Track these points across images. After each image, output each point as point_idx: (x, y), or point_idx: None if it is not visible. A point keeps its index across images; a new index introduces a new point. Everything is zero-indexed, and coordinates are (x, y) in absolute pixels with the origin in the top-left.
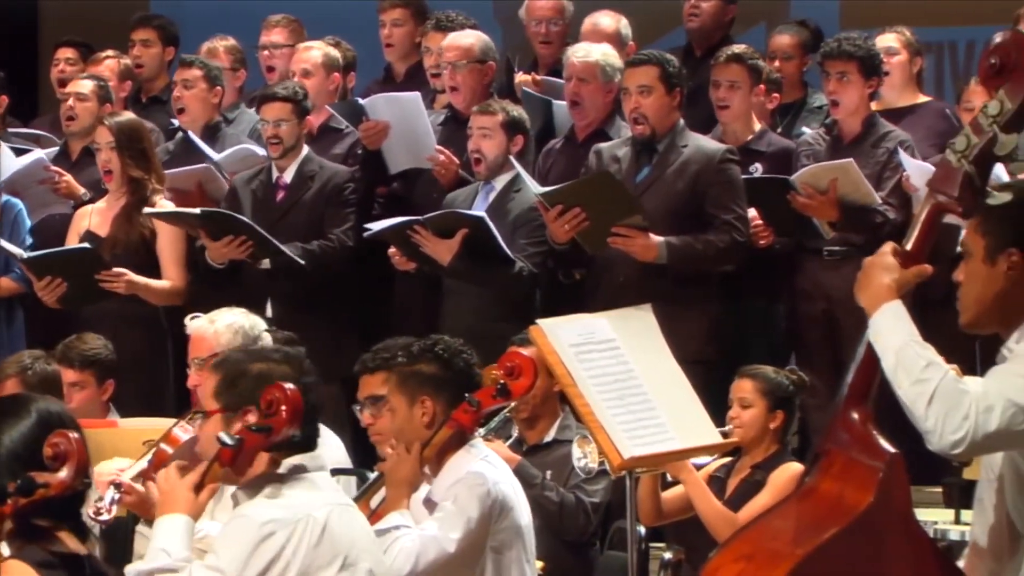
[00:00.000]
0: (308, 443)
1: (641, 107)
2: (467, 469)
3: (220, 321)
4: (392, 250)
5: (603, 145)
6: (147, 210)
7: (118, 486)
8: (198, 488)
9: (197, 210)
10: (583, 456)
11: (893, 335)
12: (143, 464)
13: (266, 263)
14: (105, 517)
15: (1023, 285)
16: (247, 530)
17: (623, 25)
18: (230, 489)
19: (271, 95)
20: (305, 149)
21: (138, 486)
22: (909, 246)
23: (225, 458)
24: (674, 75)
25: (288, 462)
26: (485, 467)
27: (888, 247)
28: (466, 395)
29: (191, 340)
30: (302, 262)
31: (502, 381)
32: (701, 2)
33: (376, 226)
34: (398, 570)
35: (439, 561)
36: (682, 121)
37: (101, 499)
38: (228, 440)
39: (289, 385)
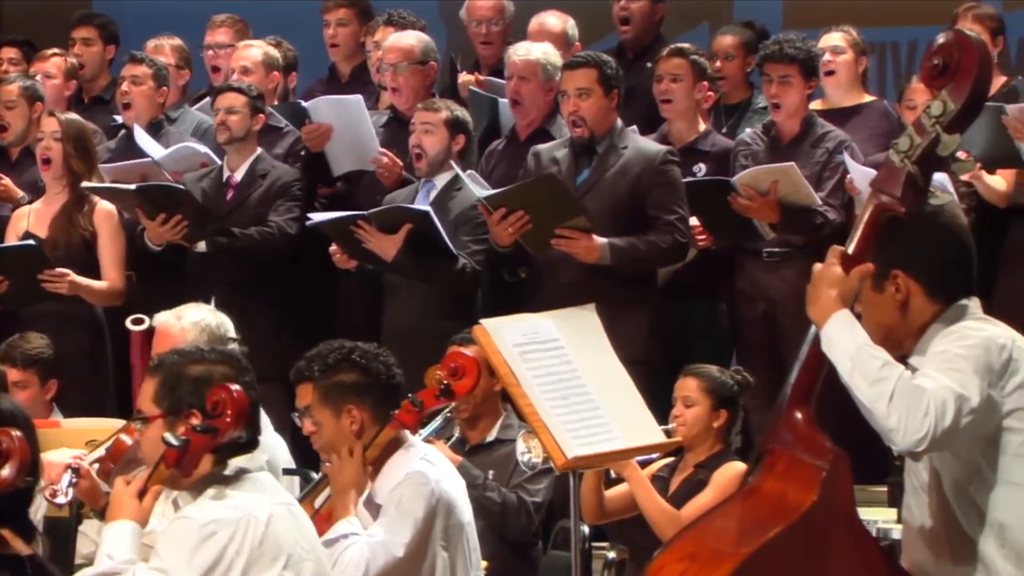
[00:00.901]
0: (251, 443)
1: (580, 110)
2: (407, 470)
3: (187, 318)
4: (333, 248)
5: (541, 147)
6: (85, 184)
7: (76, 470)
8: (143, 493)
9: (133, 186)
10: (527, 451)
11: (846, 342)
12: (101, 452)
13: (202, 246)
14: (61, 500)
15: (914, 304)
16: (189, 531)
17: (570, 26)
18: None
19: (227, 87)
20: (258, 149)
21: (94, 473)
22: (852, 249)
23: (171, 459)
24: (612, 77)
25: (233, 463)
26: (426, 466)
27: (834, 255)
28: (409, 396)
29: (156, 335)
30: (235, 234)
31: (445, 381)
32: (630, 3)
33: (320, 216)
34: None
35: (389, 566)
36: (620, 122)
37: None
38: (174, 441)
39: (235, 386)
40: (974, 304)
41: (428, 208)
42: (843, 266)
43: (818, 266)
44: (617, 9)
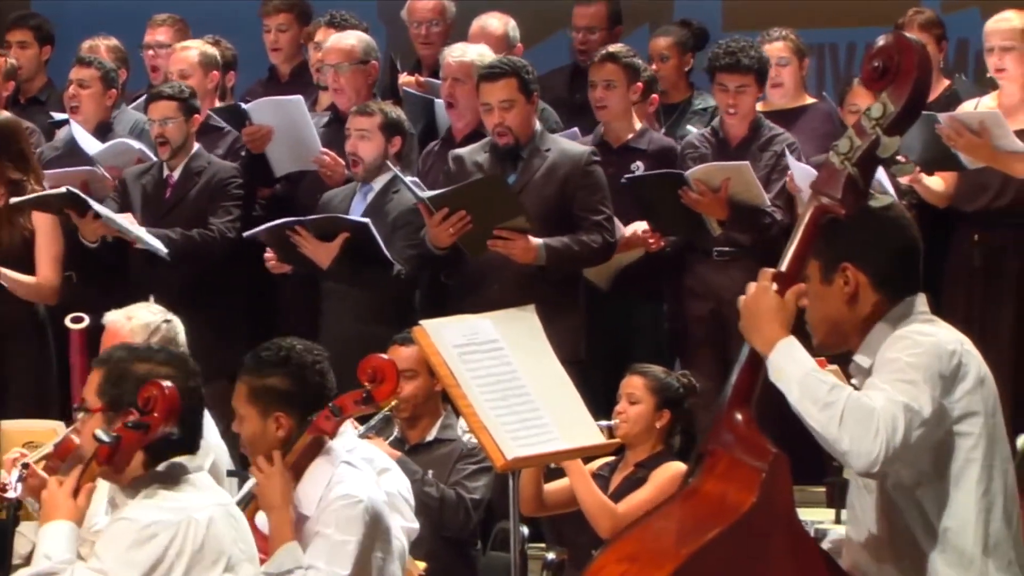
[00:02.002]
0: (189, 445)
1: (505, 121)
2: (330, 478)
3: (137, 319)
4: (267, 254)
5: (462, 151)
6: (13, 200)
7: (26, 465)
8: (78, 491)
9: (62, 189)
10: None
11: (793, 370)
12: (49, 448)
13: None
14: (11, 495)
15: (862, 298)
16: (129, 532)
17: (511, 27)
18: None
19: (157, 94)
20: (196, 147)
21: (40, 471)
22: (785, 266)
23: (102, 456)
24: (530, 81)
25: (171, 463)
26: (350, 476)
27: (766, 279)
28: (329, 404)
29: (105, 334)
30: (164, 251)
31: (367, 389)
32: (589, 36)
33: (257, 228)
34: None
35: None
36: (539, 125)
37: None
38: (105, 438)
39: (167, 383)
40: (921, 301)
41: (367, 220)
42: (778, 285)
43: (751, 289)
44: (577, 41)
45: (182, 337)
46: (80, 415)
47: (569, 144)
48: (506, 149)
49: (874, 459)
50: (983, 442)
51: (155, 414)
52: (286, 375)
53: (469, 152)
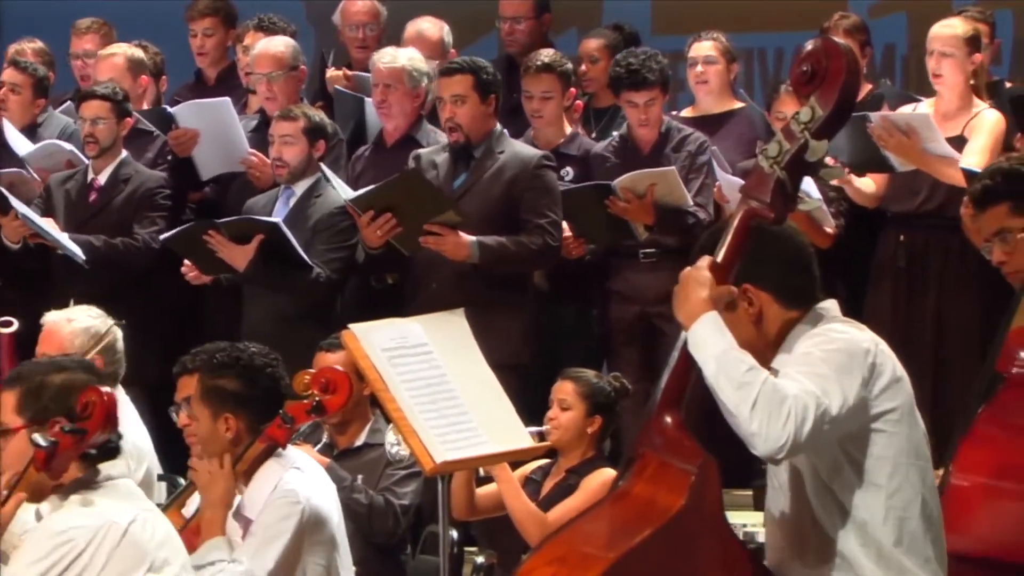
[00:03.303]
0: (115, 451)
1: (456, 116)
2: (277, 481)
3: (77, 322)
4: (185, 266)
5: (422, 151)
6: None
7: None
8: (6, 500)
9: None
10: (397, 443)
11: (712, 344)
12: None
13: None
14: None
15: (769, 316)
16: (44, 537)
17: (445, 32)
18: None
19: (90, 93)
20: (123, 153)
21: None
22: (720, 257)
23: (39, 461)
24: (489, 82)
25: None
26: (297, 479)
27: (704, 261)
28: (280, 411)
29: (43, 335)
30: (82, 258)
31: (317, 398)
32: (515, 26)
33: (172, 231)
34: None
35: None
36: (499, 127)
37: None
38: (42, 442)
39: (105, 388)
40: (832, 305)
41: (278, 220)
42: (713, 274)
43: (687, 269)
44: (503, 32)
45: (121, 344)
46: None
47: (523, 147)
48: (460, 148)
49: (780, 446)
50: (898, 440)
51: (94, 419)
52: (236, 377)
53: (428, 153)
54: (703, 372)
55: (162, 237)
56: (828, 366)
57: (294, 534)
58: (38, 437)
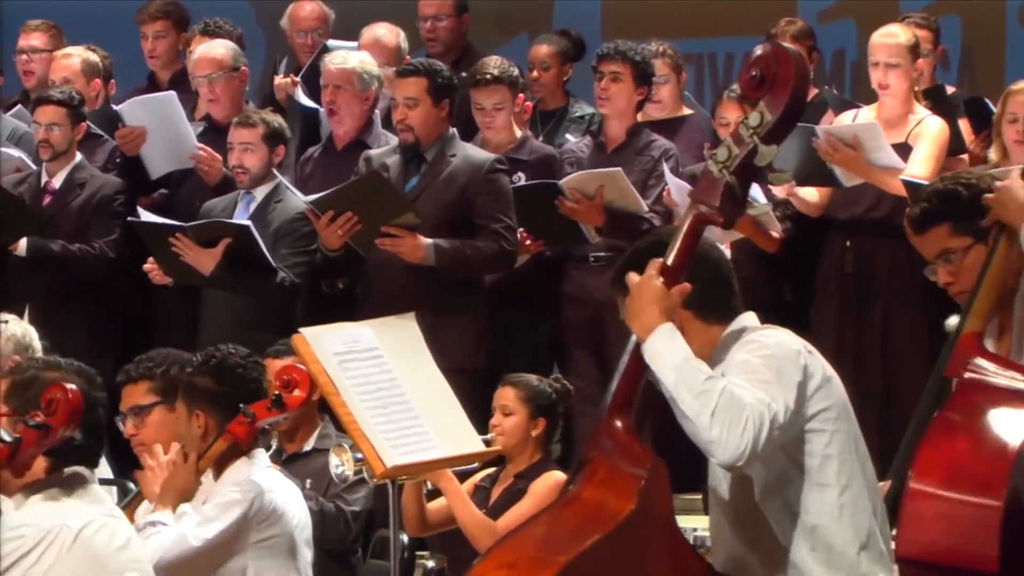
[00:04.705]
0: (92, 455)
1: (407, 118)
2: (246, 477)
3: None
4: (148, 265)
5: (372, 152)
6: None
7: None
8: None
9: None
10: (340, 464)
11: (670, 355)
12: None
13: (22, 247)
14: None
15: (692, 331)
16: None
17: (402, 39)
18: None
19: (46, 98)
20: (78, 156)
21: None
22: (671, 260)
23: (2, 456)
24: (443, 86)
25: (73, 471)
26: (263, 476)
27: (653, 268)
28: (241, 406)
29: None
30: (56, 249)
31: (277, 393)
32: (436, 24)
33: (145, 215)
34: None
35: (181, 556)
36: (452, 131)
37: None
38: (6, 437)
39: (71, 386)
40: (751, 318)
41: (248, 223)
42: (663, 277)
43: (634, 278)
44: (424, 31)
45: (37, 345)
46: None
47: (475, 151)
48: (411, 151)
49: (740, 453)
50: (839, 437)
51: (57, 416)
52: (208, 375)
53: (379, 154)
54: (662, 383)
55: (130, 219)
56: (769, 371)
57: (240, 515)
58: (2, 433)
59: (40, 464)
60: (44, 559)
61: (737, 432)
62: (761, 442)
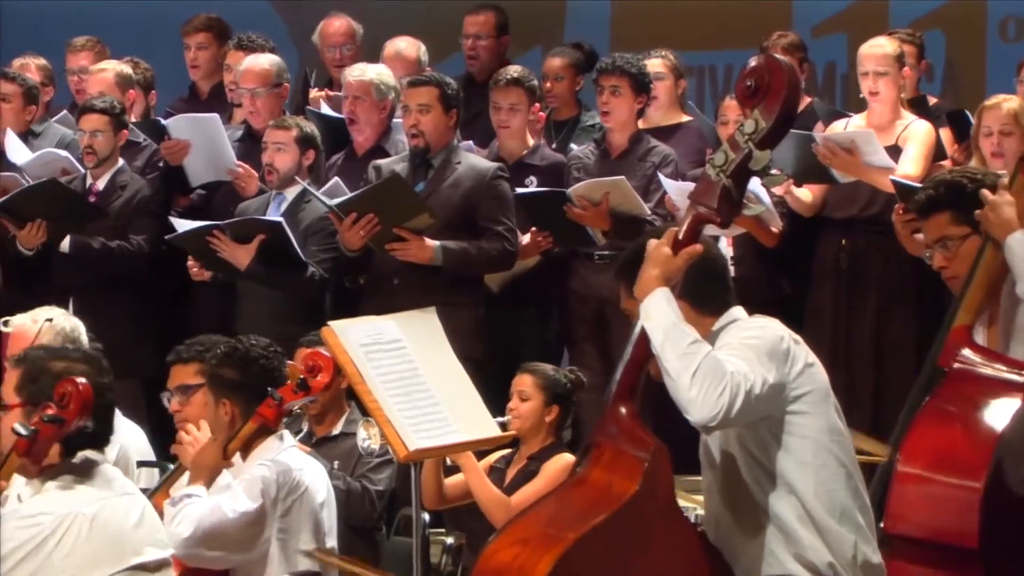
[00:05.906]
0: (101, 439)
1: (419, 124)
2: (274, 456)
3: (42, 321)
4: (190, 262)
5: (381, 161)
6: None
7: None
8: None
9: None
10: (367, 438)
11: (662, 316)
12: None
13: (65, 245)
14: None
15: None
16: (16, 520)
17: (422, 52)
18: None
19: (90, 107)
20: (120, 161)
21: None
22: (682, 234)
23: (21, 448)
24: (452, 96)
25: (81, 455)
26: (291, 455)
27: (668, 237)
28: (269, 390)
29: (11, 338)
30: (96, 246)
31: (302, 376)
32: (478, 42)
33: (179, 224)
34: (180, 534)
35: (218, 526)
36: (457, 140)
37: None
38: (23, 431)
39: (81, 379)
40: (741, 312)
41: (280, 219)
42: (673, 248)
43: (652, 242)
44: (466, 47)
45: (84, 338)
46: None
47: (478, 160)
48: (419, 156)
49: (713, 415)
50: (817, 420)
51: (70, 409)
52: (232, 366)
53: (388, 162)
54: (651, 342)
55: (168, 237)
56: (751, 351)
57: (269, 489)
58: (19, 427)
59: (55, 449)
60: (62, 545)
61: (714, 395)
62: (736, 408)
